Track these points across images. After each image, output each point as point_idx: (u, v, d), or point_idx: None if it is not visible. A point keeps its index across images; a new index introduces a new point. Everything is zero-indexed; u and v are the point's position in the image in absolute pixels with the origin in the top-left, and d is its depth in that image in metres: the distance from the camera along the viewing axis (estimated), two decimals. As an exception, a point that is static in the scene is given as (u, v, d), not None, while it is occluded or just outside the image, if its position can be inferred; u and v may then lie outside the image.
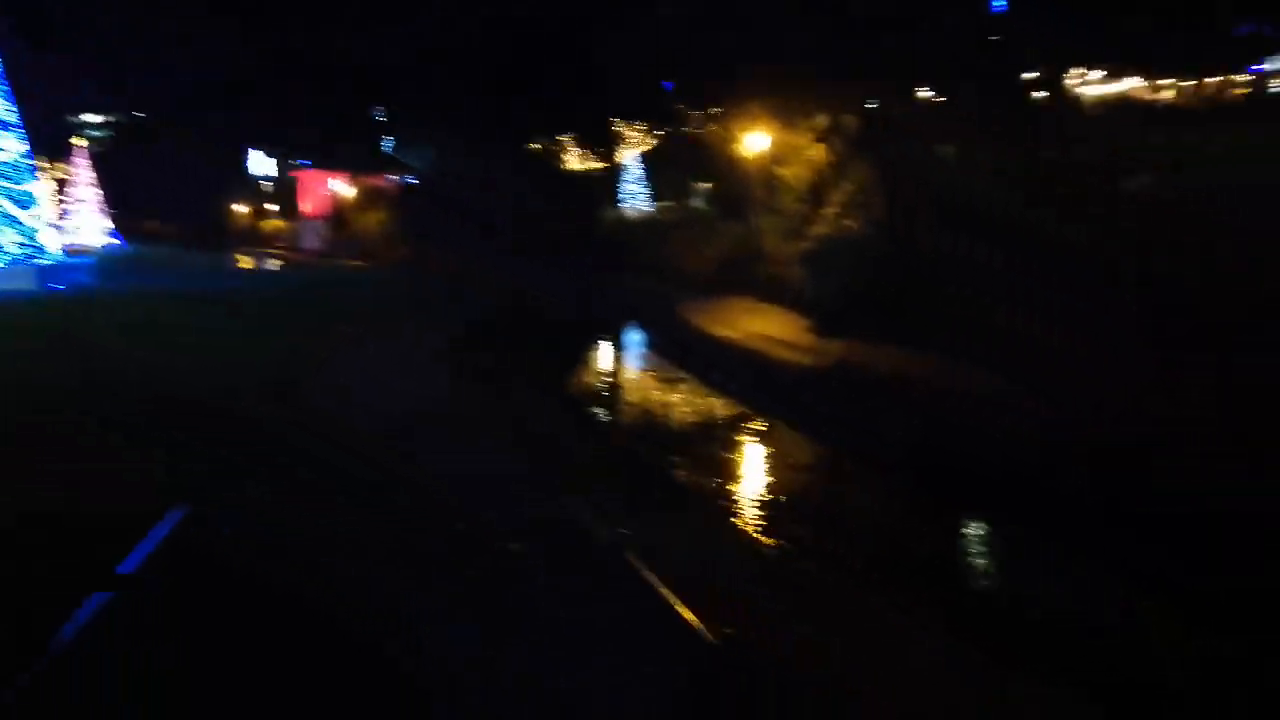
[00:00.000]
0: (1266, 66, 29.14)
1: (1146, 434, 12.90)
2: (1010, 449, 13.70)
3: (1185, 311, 15.42)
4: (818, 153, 28.80)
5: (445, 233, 46.66)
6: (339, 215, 64.31)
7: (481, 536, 10.90)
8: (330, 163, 67.37)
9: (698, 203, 42.63)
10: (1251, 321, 14.42)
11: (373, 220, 58.65)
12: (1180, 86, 31.63)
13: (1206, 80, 29.82)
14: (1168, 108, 30.50)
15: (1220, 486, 11.45)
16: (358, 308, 32.69)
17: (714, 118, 38.50)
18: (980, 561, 11.90)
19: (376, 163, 65.57)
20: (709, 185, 39.73)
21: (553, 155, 49.38)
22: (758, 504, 13.16)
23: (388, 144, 66.56)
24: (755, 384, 20.05)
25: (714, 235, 33.56)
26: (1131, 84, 31.36)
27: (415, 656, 7.71)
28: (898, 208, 22.01)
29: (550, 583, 9.58)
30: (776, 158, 30.91)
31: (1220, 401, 13.15)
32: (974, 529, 12.51)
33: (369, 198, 61.91)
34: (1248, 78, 29.32)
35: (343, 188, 65.91)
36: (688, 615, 8.46)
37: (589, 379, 23.78)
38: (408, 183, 61.93)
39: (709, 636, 8.14)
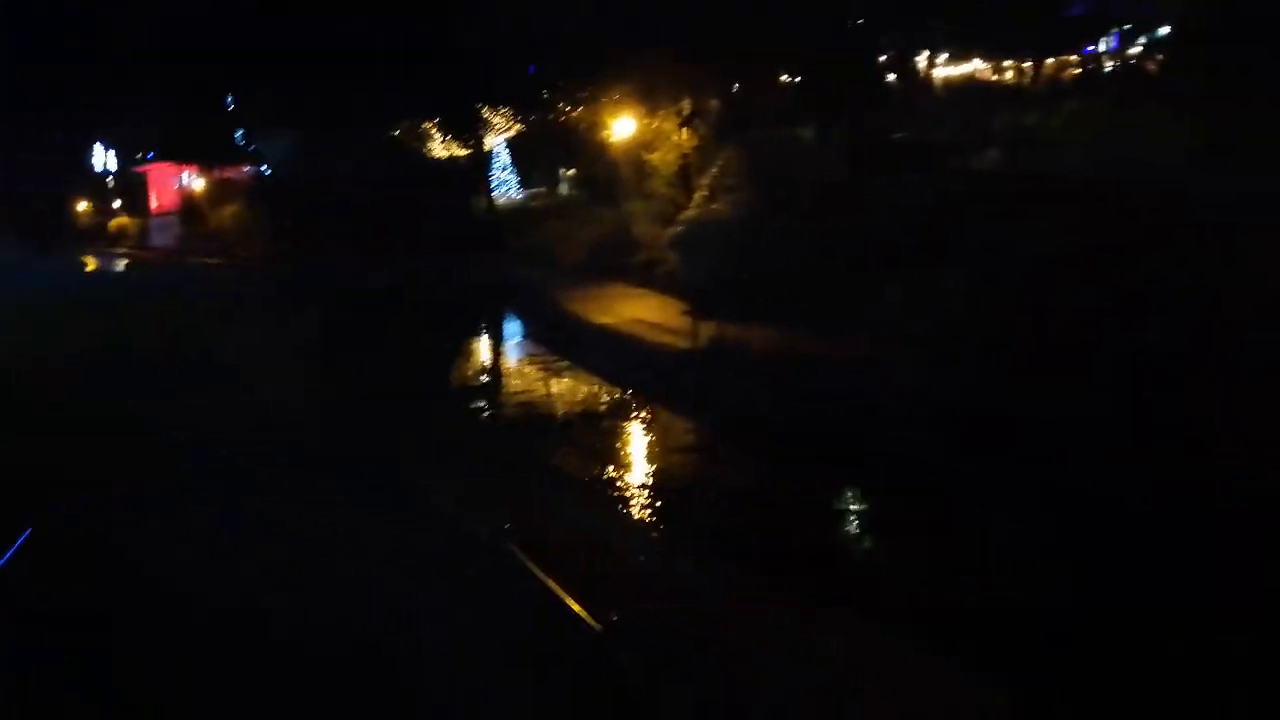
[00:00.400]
0: (1101, 46, 31.06)
1: (1013, 403, 13.65)
2: (884, 425, 14.26)
3: (1037, 277, 16.40)
4: (684, 137, 29.13)
5: (307, 225, 45.08)
6: (191, 210, 61.20)
7: (364, 533, 10.68)
8: (180, 156, 63.97)
9: (569, 189, 42.50)
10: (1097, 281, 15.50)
11: (228, 215, 56.11)
12: (1021, 67, 33.39)
13: (1044, 61, 31.59)
14: (1010, 88, 32.18)
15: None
16: (214, 307, 31.34)
17: (582, 103, 38.40)
18: (848, 533, 12.37)
19: (231, 155, 62.63)
20: (579, 171, 39.65)
21: (417, 142, 48.23)
22: (639, 488, 13.30)
23: (241, 135, 63.65)
24: (633, 368, 20.20)
25: (586, 221, 33.53)
26: (976, 65, 32.94)
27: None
28: (762, 190, 22.53)
29: (433, 580, 9.47)
30: (644, 143, 31.10)
31: (1059, 356, 14.11)
32: (845, 505, 13.01)
33: (223, 191, 59.14)
34: (1081, 58, 31.20)
35: (194, 182, 62.74)
36: (573, 605, 8.51)
37: (467, 370, 23.48)
38: (265, 174, 59.41)
39: (593, 624, 8.21)
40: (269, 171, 58.45)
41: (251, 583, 9.45)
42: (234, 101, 61.99)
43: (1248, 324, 13.05)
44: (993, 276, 16.28)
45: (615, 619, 8.33)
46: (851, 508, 12.92)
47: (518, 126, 45.74)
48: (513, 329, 28.93)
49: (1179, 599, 9.17)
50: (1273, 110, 17.23)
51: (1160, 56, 29.07)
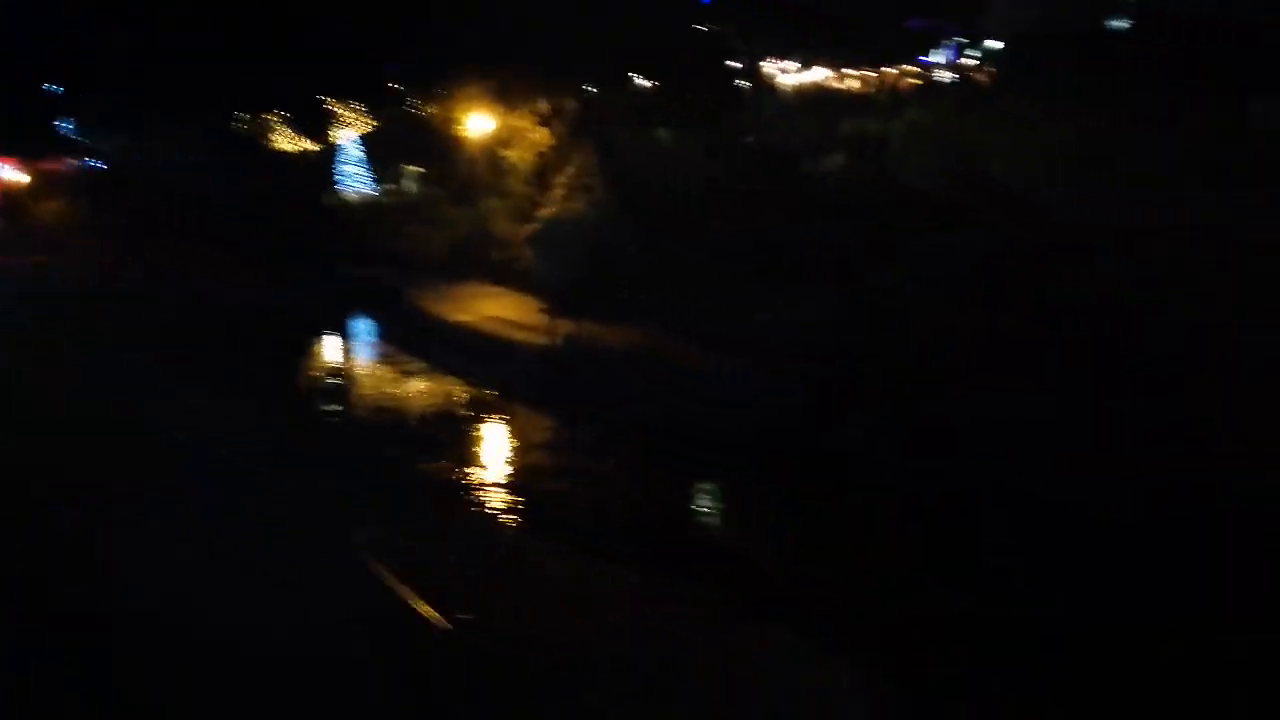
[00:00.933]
0: (932, 58, 32.72)
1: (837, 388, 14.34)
2: (722, 414, 14.69)
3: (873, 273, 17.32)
4: (541, 136, 29.12)
5: (143, 220, 42.59)
6: (11, 206, 56.81)
7: (216, 546, 10.25)
8: (-2, 146, 59.21)
9: (425, 186, 41.63)
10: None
11: (53, 210, 52.39)
12: (864, 76, 34.85)
13: (885, 70, 33.10)
14: (855, 96, 33.55)
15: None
16: (37, 309, 29.29)
17: (438, 99, 37.79)
18: (702, 522, 12.73)
19: (56, 146, 58.39)
20: (436, 168, 38.91)
21: (262, 135, 46.38)
22: (492, 487, 13.30)
23: (68, 125, 59.49)
24: (490, 366, 20.10)
25: (444, 219, 33.00)
26: (822, 74, 34.16)
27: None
28: (619, 190, 22.80)
29: (288, 589, 9.20)
30: (502, 140, 30.90)
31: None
32: (700, 496, 13.36)
33: (48, 184, 55.13)
34: (918, 68, 32.82)
35: (14, 174, 58.22)
36: (422, 607, 8.42)
37: (319, 375, 22.71)
38: (95, 166, 55.73)
39: (441, 623, 8.16)
40: (103, 165, 54.94)
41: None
42: (60, 90, 57.92)
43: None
44: (849, 281, 17.08)
45: (463, 617, 8.29)
46: (706, 500, 13.29)
47: (372, 122, 44.63)
48: (366, 328, 28.19)
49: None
50: (1081, 120, 18.67)
51: (992, 69, 30.94)
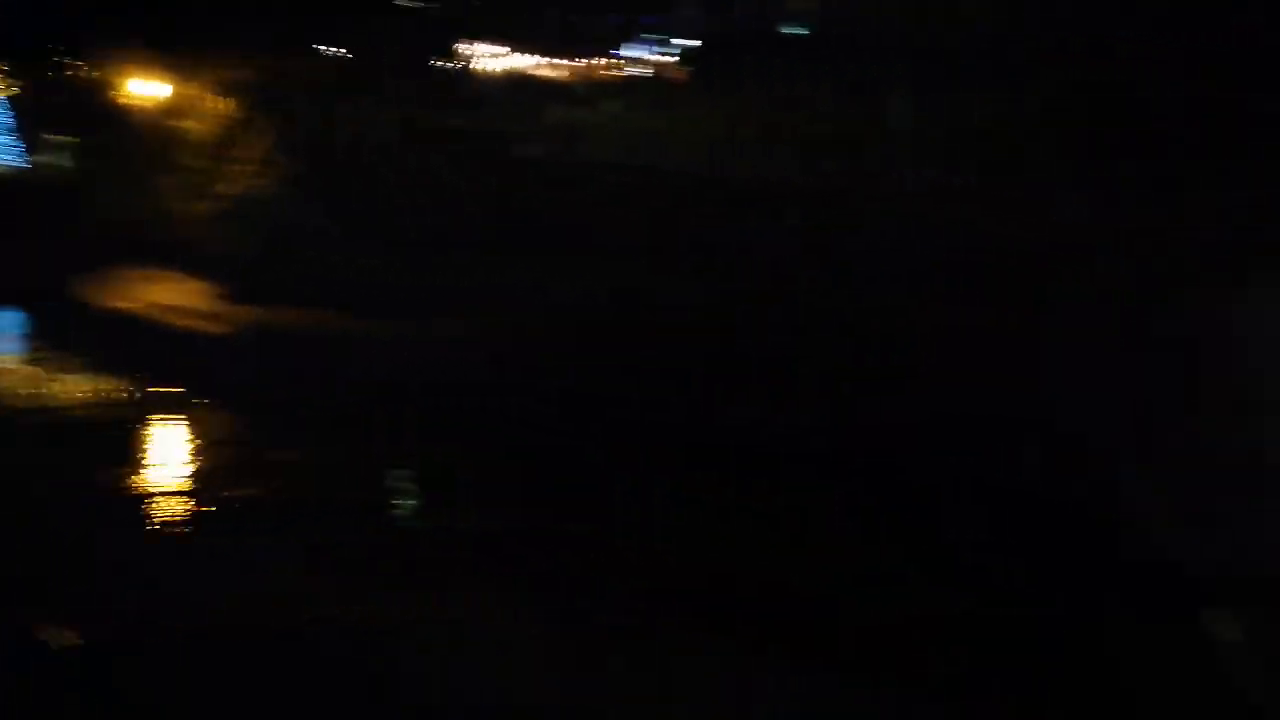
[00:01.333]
0: (629, 52, 34.12)
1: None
2: (437, 391, 14.56)
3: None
4: (222, 107, 27.21)
5: None
6: None
7: None
8: None
9: (88, 158, 37.47)
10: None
11: None
12: (570, 66, 35.64)
13: (586, 61, 34.01)
14: (557, 84, 34.25)
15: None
16: None
17: (104, 61, 34.09)
18: (392, 512, 12.44)
19: None
20: (101, 138, 35.11)
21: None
22: (163, 494, 12.17)
23: None
24: (165, 360, 18.38)
25: (110, 195, 29.84)
26: (528, 60, 34.46)
27: None
28: (305, 166, 21.87)
29: None
30: (178, 110, 28.55)
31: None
32: (389, 485, 13.01)
33: None
34: (615, 61, 34.14)
35: None
36: (50, 629, 7.55)
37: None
38: None
39: (71, 639, 7.38)
40: None
41: None
42: None
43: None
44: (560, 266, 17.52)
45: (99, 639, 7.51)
46: (392, 485, 13.01)
47: (22, 84, 39.52)
48: (12, 322, 24.73)
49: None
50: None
51: (687, 66, 32.66)
